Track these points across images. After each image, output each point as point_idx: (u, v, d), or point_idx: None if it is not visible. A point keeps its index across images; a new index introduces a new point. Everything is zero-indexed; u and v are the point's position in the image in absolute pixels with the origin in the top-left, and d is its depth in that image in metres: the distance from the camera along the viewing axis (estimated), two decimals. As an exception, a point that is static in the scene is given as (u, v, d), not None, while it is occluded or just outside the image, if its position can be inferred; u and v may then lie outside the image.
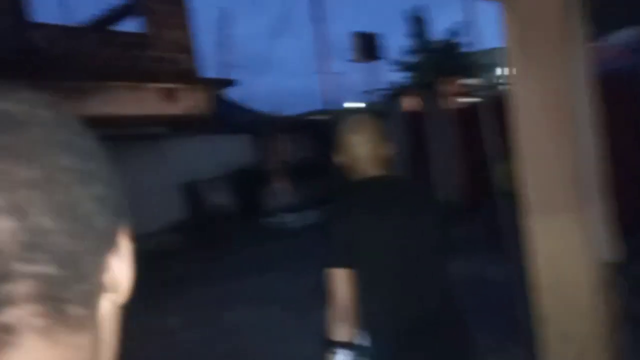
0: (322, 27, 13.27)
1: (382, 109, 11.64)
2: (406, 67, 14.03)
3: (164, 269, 7.66)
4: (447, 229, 1.74)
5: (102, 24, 11.40)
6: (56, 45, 9.97)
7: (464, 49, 12.68)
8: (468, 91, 11.32)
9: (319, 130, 12.88)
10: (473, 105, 9.37)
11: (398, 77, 14.64)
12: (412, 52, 14.04)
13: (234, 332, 4.47)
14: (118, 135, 9.74)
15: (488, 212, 5.46)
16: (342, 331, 1.50)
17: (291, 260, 6.39)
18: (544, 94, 2.06)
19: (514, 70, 2.14)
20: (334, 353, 1.48)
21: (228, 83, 13.58)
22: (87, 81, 10.00)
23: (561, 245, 2.04)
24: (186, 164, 10.32)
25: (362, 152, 1.68)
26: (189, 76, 11.98)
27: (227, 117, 12.23)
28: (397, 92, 11.95)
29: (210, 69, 13.56)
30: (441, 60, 12.87)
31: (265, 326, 4.33)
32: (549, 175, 2.08)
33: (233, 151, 11.25)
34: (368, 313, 1.53)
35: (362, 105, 14.21)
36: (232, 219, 10.46)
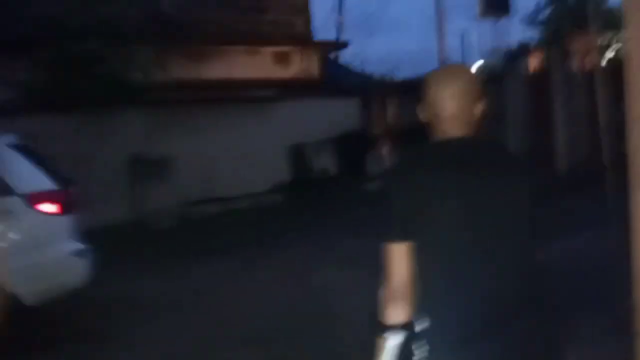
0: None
1: (501, 69, 10.80)
2: (538, 22, 12.84)
3: (263, 228, 7.98)
4: (537, 205, 1.42)
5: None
6: (182, 11, 10.57)
7: (604, 3, 11.24)
8: (604, 49, 10.07)
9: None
10: (608, 65, 8.32)
11: (529, 35, 13.51)
12: (546, 5, 12.79)
13: (321, 292, 4.57)
14: (230, 98, 10.22)
15: (611, 185, 4.86)
16: (396, 314, 1.35)
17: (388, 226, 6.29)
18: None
19: (632, 28, 1.81)
20: (386, 337, 1.35)
21: (341, 45, 13.50)
22: (208, 45, 10.55)
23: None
24: (293, 126, 10.52)
25: (444, 108, 1.43)
26: (303, 39, 12.10)
27: (336, 80, 12.21)
28: (522, 50, 10.99)
29: (323, 31, 13.50)
30: (577, 15, 11.56)
31: (353, 289, 4.34)
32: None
33: (341, 114, 11.21)
34: (427, 295, 1.35)
35: (480, 65, 13.32)
36: (335, 182, 10.54)
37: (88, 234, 4.39)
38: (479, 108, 1.46)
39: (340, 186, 10.26)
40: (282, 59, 11.68)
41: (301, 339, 3.68)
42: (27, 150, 4.18)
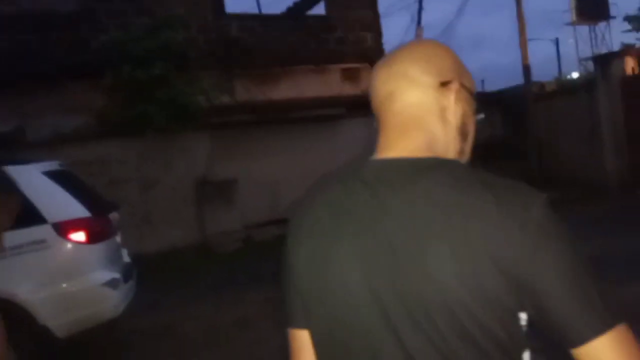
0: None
1: (591, 76, 9.72)
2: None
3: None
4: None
5: (292, 12, 11.81)
6: (249, 34, 10.65)
7: None
8: None
9: (513, 106, 11.44)
10: None
11: (631, 39, 12.21)
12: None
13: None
14: (296, 118, 10.03)
15: None
16: None
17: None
18: None
19: None
20: None
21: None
22: (276, 67, 10.50)
23: None
24: (362, 144, 10.10)
25: (382, 104, 0.89)
26: (372, 55, 11.74)
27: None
28: (617, 53, 9.84)
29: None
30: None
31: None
32: None
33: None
34: None
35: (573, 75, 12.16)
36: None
37: (147, 259, 4.20)
38: (453, 117, 0.86)
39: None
40: (351, 76, 11.37)
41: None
42: (65, 177, 4.14)
